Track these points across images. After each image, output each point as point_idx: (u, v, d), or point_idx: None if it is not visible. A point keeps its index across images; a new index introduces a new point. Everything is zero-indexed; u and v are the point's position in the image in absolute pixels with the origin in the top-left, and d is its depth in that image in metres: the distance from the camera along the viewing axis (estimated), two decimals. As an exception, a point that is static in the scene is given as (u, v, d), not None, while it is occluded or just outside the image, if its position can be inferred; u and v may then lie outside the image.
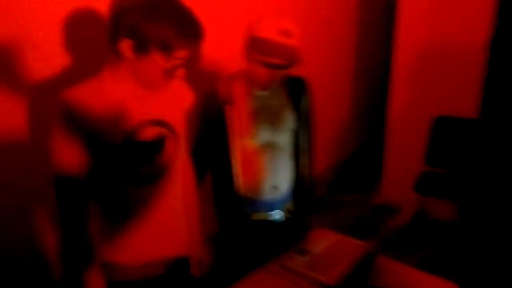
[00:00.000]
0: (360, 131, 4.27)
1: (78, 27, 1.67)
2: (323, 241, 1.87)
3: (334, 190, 3.72)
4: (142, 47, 1.24)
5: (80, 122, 1.25)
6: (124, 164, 1.33)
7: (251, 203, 1.81)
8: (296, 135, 1.84)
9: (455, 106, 3.05)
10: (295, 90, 1.84)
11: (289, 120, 1.79)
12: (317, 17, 3.16)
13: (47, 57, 1.60)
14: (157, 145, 1.38)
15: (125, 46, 1.25)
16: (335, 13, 3.41)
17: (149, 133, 1.36)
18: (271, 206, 1.83)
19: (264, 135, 1.75)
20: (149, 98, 1.39)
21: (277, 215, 1.84)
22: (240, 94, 1.76)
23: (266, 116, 1.76)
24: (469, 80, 3.00)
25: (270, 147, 1.78)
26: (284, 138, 1.80)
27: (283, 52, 1.59)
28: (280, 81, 1.80)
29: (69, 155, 1.26)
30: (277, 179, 1.80)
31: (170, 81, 1.35)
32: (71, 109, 1.24)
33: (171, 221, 1.53)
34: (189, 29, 1.26)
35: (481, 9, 2.85)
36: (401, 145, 3.42)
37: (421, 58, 3.17)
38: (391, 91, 3.36)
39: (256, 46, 1.62)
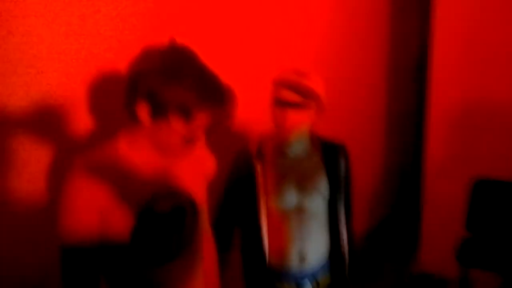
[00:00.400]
0: (393, 192, 4.10)
1: (100, 90, 1.64)
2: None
3: (369, 257, 3.52)
4: (159, 111, 1.17)
5: (92, 190, 1.17)
6: (138, 241, 1.24)
7: (278, 274, 1.69)
8: (333, 203, 1.75)
9: (496, 165, 2.88)
10: (332, 156, 1.77)
11: (321, 185, 1.70)
12: (347, 76, 3.11)
13: (68, 121, 1.57)
14: (176, 220, 1.29)
15: (142, 109, 1.18)
16: (365, 73, 3.37)
17: (167, 205, 1.27)
18: (300, 278, 1.71)
19: (290, 197, 1.67)
20: (167, 166, 1.31)
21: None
22: (270, 153, 1.70)
23: (294, 177, 1.69)
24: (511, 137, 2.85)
25: (298, 212, 1.68)
26: (314, 204, 1.70)
27: (295, 87, 1.59)
28: (314, 143, 1.76)
29: (80, 222, 1.16)
30: (305, 248, 1.68)
31: (190, 148, 1.27)
32: (83, 175, 1.18)
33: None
34: (211, 93, 1.18)
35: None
36: (439, 207, 3.23)
37: (458, 114, 3.04)
38: (426, 150, 3.22)
39: (273, 89, 1.65)
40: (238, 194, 1.71)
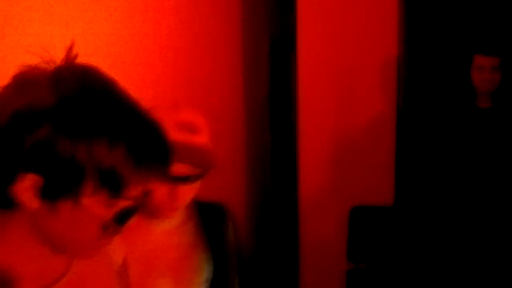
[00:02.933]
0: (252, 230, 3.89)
1: None
2: None
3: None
4: (61, 185, 0.67)
5: None
6: None
7: None
8: (219, 285, 1.29)
9: (370, 193, 2.85)
10: (214, 222, 1.31)
11: (203, 269, 1.26)
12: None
13: None
14: None
15: (26, 187, 0.67)
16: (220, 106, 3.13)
17: None
18: None
19: None
20: (61, 272, 0.80)
21: None
22: (132, 230, 1.19)
23: (166, 261, 1.21)
24: (381, 164, 2.85)
25: None
26: None
27: (191, 155, 1.08)
28: (188, 210, 1.25)
29: None
30: None
31: (107, 241, 0.77)
32: None
33: None
34: (151, 147, 0.71)
35: (385, 83, 2.79)
36: (317, 243, 3.10)
37: (328, 146, 2.97)
38: (299, 185, 3.08)
39: None
40: None
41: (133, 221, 0.77)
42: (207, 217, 1.29)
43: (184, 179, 1.09)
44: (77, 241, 0.74)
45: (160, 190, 1.08)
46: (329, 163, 2.98)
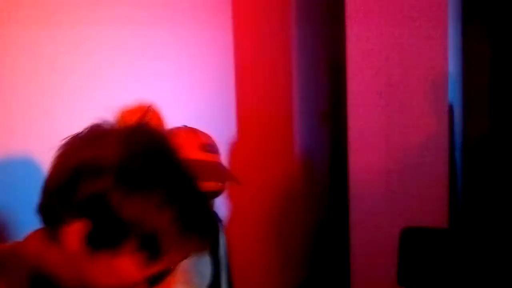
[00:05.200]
0: (308, 251, 3.85)
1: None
2: None
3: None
4: (105, 237, 0.71)
5: None
6: None
7: None
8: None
9: (423, 215, 2.77)
10: None
11: (208, 273, 1.32)
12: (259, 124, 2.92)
13: None
14: None
15: (75, 230, 0.71)
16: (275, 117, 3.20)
17: None
18: None
19: None
20: None
21: None
22: None
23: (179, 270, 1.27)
24: (435, 184, 2.76)
25: None
26: None
27: (215, 172, 1.20)
28: None
29: None
30: None
31: None
32: None
33: None
34: (197, 219, 0.74)
35: (437, 103, 2.73)
36: (368, 266, 3.04)
37: (380, 165, 2.93)
38: (350, 210, 3.05)
39: None
40: None
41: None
42: None
43: (212, 195, 1.20)
44: None
45: None
46: (380, 183, 2.93)
